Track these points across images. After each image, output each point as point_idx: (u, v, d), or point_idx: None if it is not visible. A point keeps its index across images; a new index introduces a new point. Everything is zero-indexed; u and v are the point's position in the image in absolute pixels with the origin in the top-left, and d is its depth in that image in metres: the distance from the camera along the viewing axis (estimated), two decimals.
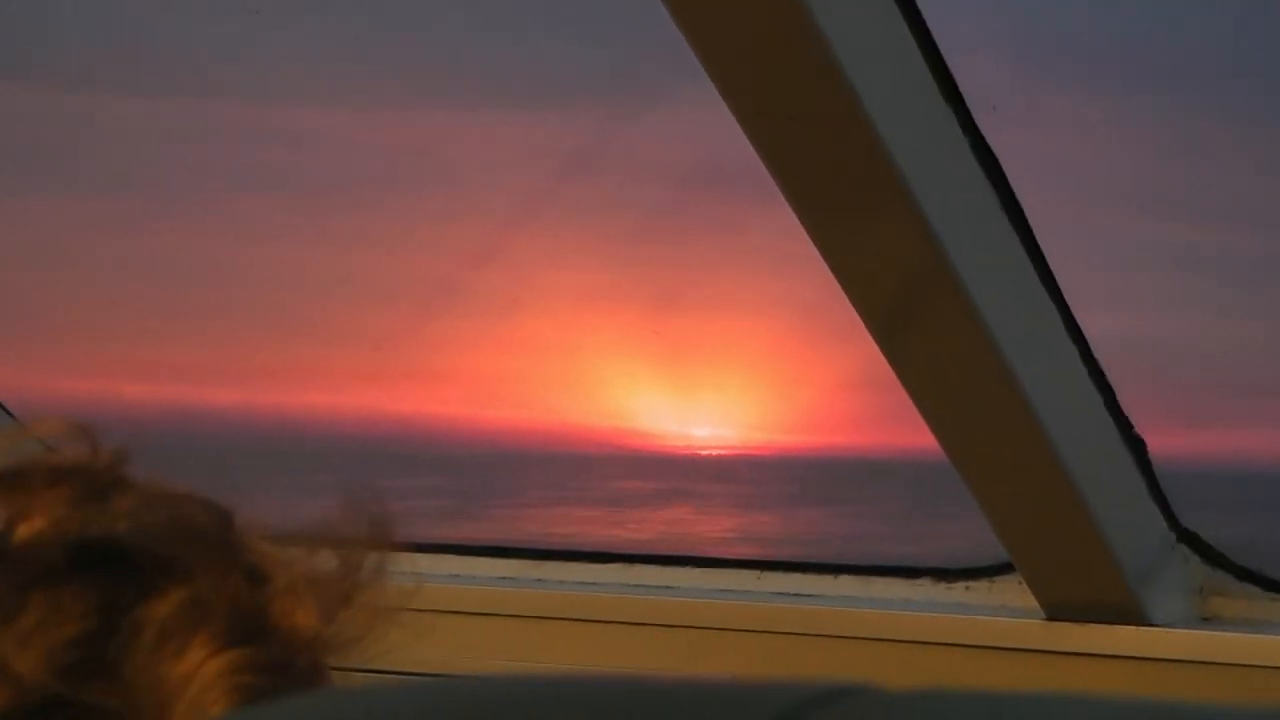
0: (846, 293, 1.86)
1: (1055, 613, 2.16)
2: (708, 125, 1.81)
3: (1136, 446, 2.12)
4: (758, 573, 2.44)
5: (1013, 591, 2.25)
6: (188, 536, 0.86)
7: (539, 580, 2.58)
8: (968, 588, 2.31)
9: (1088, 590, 2.13)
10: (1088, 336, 2.02)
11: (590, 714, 0.45)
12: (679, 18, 1.61)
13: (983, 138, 1.83)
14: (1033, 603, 2.18)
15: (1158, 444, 2.15)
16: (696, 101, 1.72)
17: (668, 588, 2.48)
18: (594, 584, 2.53)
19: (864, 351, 1.95)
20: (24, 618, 0.82)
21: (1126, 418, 2.10)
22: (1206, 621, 2.18)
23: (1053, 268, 1.95)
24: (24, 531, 0.85)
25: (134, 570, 0.84)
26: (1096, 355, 2.04)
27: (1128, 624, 2.12)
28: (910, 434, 2.08)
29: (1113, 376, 2.07)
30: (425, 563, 2.67)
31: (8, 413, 3.02)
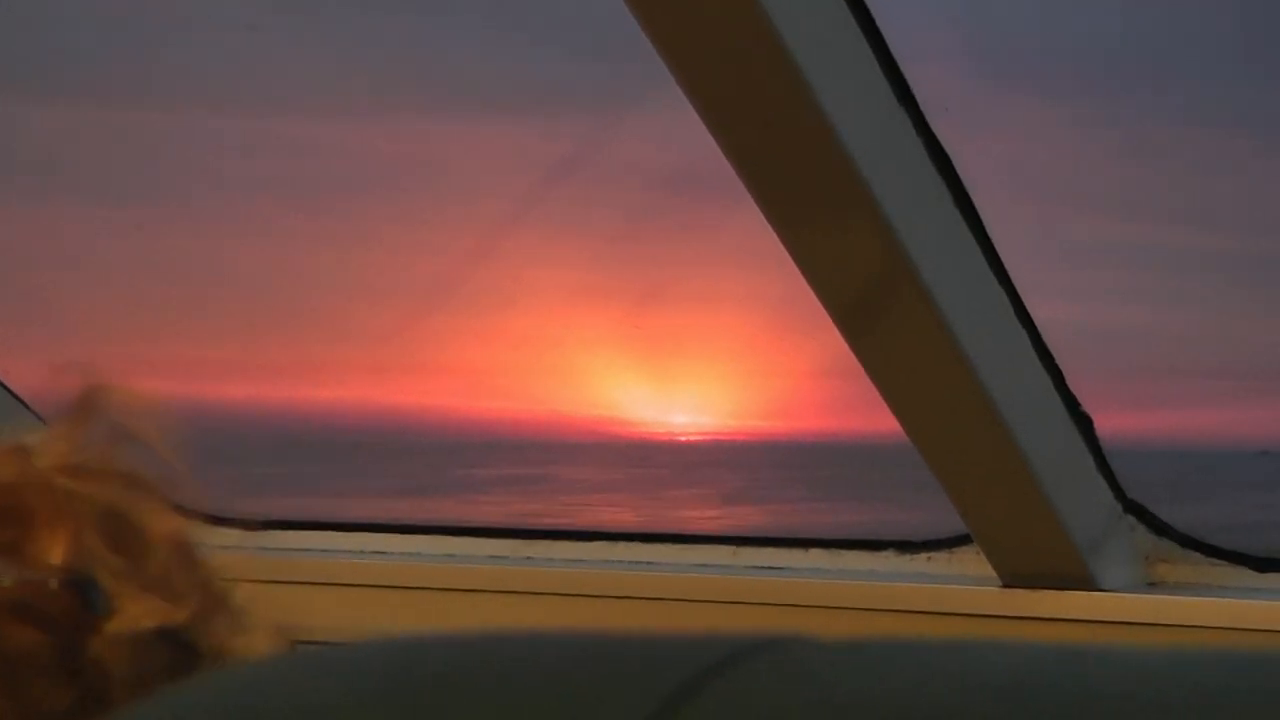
0: (812, 288, 1.85)
1: (1011, 580, 2.16)
2: (685, 132, 1.80)
3: (1084, 424, 2.11)
4: (733, 548, 2.43)
5: (971, 561, 2.24)
6: None
7: (528, 559, 2.57)
8: (929, 559, 2.31)
9: (1041, 559, 2.12)
10: (1037, 323, 2.01)
11: (508, 669, 0.41)
12: (651, 33, 1.60)
13: (936, 139, 1.82)
14: (990, 571, 2.18)
15: (1104, 423, 2.14)
16: (674, 109, 1.71)
17: (649, 563, 2.47)
18: (580, 561, 2.53)
19: (832, 342, 1.94)
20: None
21: (1075, 397, 2.09)
22: (1152, 586, 2.18)
23: (1004, 259, 1.95)
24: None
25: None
26: (1046, 341, 2.03)
27: (1079, 590, 2.12)
28: (875, 418, 2.07)
29: (1061, 361, 2.06)
30: (422, 543, 2.67)
31: (31, 411, 3.00)
